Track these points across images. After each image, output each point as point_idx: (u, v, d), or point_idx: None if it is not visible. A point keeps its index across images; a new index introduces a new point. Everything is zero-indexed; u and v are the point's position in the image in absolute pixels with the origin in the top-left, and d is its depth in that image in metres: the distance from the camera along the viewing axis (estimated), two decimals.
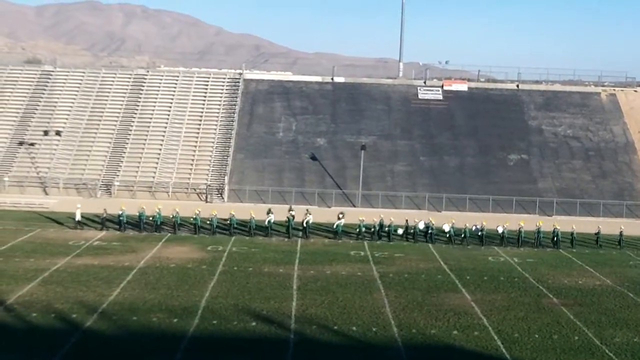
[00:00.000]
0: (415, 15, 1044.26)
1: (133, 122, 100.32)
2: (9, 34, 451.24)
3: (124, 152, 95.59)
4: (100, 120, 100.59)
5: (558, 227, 72.60)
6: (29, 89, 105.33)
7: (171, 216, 73.07)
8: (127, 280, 50.94)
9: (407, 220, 73.94)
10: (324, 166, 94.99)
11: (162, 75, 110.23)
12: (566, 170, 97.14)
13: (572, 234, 72.45)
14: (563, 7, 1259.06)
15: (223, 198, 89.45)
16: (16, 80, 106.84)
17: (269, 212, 74.19)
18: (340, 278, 54.35)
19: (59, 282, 49.65)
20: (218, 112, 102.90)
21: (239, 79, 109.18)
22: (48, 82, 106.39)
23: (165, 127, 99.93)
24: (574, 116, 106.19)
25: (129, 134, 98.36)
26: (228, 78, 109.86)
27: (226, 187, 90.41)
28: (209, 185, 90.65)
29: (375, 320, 43.38)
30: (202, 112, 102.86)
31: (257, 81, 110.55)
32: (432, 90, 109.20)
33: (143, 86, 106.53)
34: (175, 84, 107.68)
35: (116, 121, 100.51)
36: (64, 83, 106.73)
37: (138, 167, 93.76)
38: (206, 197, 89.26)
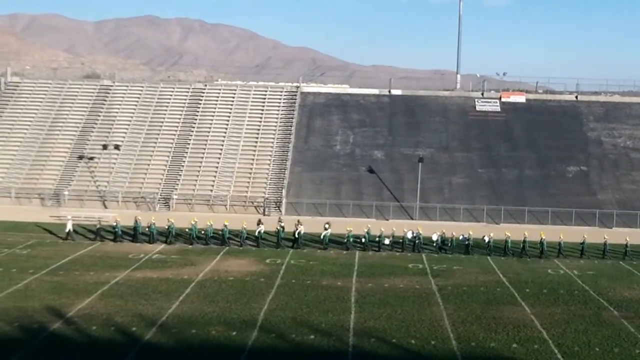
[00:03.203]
0: (472, 26, 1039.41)
1: (191, 135, 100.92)
2: (69, 49, 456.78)
3: (182, 166, 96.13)
4: (158, 134, 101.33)
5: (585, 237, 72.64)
6: (88, 104, 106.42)
7: (166, 227, 73.50)
8: (186, 293, 51.15)
9: (394, 230, 73.38)
10: (382, 179, 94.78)
11: (220, 89, 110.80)
12: (626, 182, 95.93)
13: (625, 245, 71.99)
14: (621, 17, 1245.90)
15: (281, 211, 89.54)
16: (76, 95, 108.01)
17: (259, 222, 74.62)
18: (399, 291, 54.14)
19: (118, 295, 50.00)
20: (275, 126, 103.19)
21: (296, 92, 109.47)
22: (107, 97, 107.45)
23: (223, 141, 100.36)
24: (634, 127, 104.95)
25: (187, 148, 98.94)
26: (285, 91, 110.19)
27: (284, 200, 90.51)
28: (267, 199, 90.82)
29: (434, 333, 43.12)
30: (259, 126, 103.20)
31: (314, 94, 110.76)
32: (490, 102, 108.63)
33: (201, 100, 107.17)
34: (233, 97, 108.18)
35: (174, 135, 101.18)
36: (122, 97, 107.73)
37: (196, 180, 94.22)
38: (264, 210, 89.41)
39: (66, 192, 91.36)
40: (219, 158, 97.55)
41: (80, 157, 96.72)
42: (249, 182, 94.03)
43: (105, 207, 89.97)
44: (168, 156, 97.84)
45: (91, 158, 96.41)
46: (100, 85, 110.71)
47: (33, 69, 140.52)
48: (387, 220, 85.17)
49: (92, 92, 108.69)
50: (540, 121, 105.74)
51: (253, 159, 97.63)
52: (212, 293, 51.56)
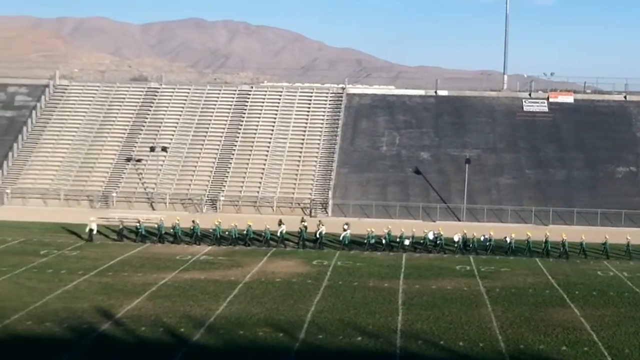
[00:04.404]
0: (519, 26, 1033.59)
1: (237, 137, 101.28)
2: (115, 51, 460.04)
3: (229, 168, 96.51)
4: (205, 136, 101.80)
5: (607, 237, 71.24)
6: (135, 106, 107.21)
7: (191, 228, 73.64)
8: (234, 295, 51.24)
9: (413, 231, 72.71)
10: (428, 180, 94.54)
11: (266, 91, 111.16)
12: None
13: None
14: None
15: (327, 212, 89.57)
16: (123, 98, 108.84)
17: (280, 223, 74.19)
18: (446, 293, 53.88)
19: (166, 297, 50.23)
20: (321, 127, 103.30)
21: (342, 93, 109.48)
22: (154, 99, 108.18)
23: (269, 142, 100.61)
24: None
25: (234, 149, 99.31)
26: (331, 93, 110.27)
27: (330, 202, 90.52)
28: (313, 200, 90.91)
29: (482, 335, 42.85)
30: (305, 127, 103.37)
31: (360, 95, 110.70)
32: (538, 103, 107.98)
33: (247, 102, 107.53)
34: (279, 99, 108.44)
35: (221, 137, 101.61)
36: (169, 100, 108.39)
37: (243, 182, 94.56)
38: (310, 212, 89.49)
39: (114, 194, 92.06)
40: (266, 159, 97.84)
41: (128, 159, 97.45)
42: (295, 184, 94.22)
43: (153, 208, 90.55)
44: (215, 158, 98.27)
45: (139, 160, 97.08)
46: (148, 88, 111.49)
47: (81, 72, 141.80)
48: (434, 221, 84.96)
49: (140, 95, 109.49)
50: (589, 121, 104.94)
51: (299, 161, 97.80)
52: (260, 294, 51.63)
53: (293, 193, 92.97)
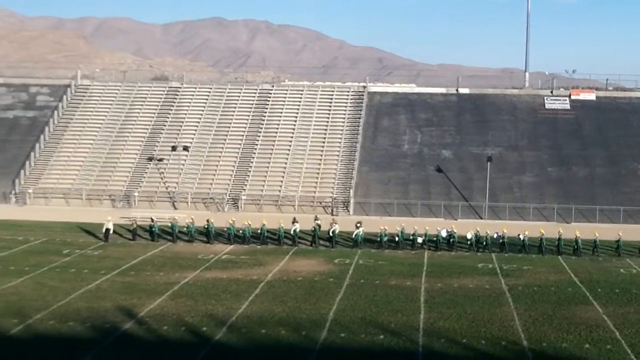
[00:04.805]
0: (540, 24, 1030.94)
1: (259, 136, 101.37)
2: (137, 51, 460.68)
3: (250, 166, 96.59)
4: (226, 135, 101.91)
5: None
6: (157, 106, 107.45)
7: (205, 226, 73.84)
8: (255, 294, 51.31)
9: (426, 229, 72.32)
10: (450, 178, 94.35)
11: (287, 90, 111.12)
12: None
13: None
14: None
15: (349, 211, 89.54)
16: (145, 97, 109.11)
17: (294, 221, 74.12)
18: (468, 291, 53.77)
19: (188, 296, 50.34)
20: (342, 125, 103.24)
21: (363, 91, 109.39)
22: (175, 99, 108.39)
23: (291, 141, 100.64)
24: None
25: (255, 148, 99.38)
26: (352, 91, 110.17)
27: (352, 200, 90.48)
28: (335, 199, 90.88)
29: (505, 333, 42.75)
30: (326, 126, 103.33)
31: (381, 94, 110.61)
32: (559, 100, 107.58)
33: (268, 101, 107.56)
34: (300, 98, 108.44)
35: (242, 136, 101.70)
36: (190, 99, 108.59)
37: (264, 181, 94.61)
38: (332, 210, 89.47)
39: (136, 194, 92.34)
40: (287, 158, 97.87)
41: (150, 159, 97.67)
42: (316, 183, 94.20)
43: (175, 208, 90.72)
44: (236, 157, 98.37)
45: (160, 159, 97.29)
46: (169, 87, 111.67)
47: (102, 72, 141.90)
48: (456, 219, 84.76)
49: (161, 94, 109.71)
50: (611, 119, 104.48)
51: (321, 159, 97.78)
52: (281, 293, 51.67)
53: (314, 192, 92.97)
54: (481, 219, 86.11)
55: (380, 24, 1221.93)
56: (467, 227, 74.07)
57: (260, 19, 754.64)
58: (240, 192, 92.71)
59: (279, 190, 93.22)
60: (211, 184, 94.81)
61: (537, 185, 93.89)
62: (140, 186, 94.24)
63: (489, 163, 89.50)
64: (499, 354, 39.43)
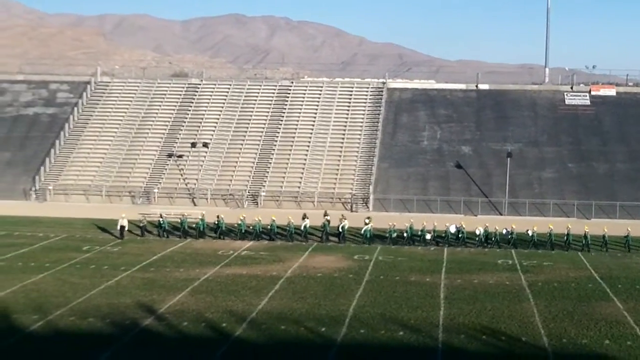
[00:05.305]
0: (560, 19, 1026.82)
1: (278, 132, 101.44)
2: (156, 48, 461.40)
3: (270, 163, 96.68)
4: (246, 132, 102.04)
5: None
6: (176, 102, 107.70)
7: (215, 222, 73.69)
8: (275, 290, 51.30)
9: (435, 225, 72.22)
10: (469, 174, 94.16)
11: (306, 86, 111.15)
12: None
13: None
14: None
15: (368, 207, 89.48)
16: (164, 94, 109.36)
17: (304, 217, 73.97)
18: (488, 287, 53.60)
19: (208, 292, 50.37)
20: (362, 122, 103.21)
21: (383, 88, 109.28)
22: (195, 95, 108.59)
23: (310, 137, 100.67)
24: None
25: (274, 145, 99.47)
26: (371, 87, 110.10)
27: (371, 197, 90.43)
28: (354, 195, 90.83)
29: (525, 329, 42.57)
30: (346, 122, 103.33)
31: (401, 90, 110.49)
32: (580, 96, 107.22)
33: (287, 97, 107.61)
34: (319, 94, 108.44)
35: (261, 132, 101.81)
36: (210, 96, 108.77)
37: (284, 177, 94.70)
38: (351, 207, 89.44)
39: (156, 190, 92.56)
40: (306, 154, 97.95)
41: (170, 155, 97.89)
42: (336, 179, 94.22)
43: (195, 204, 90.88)
44: (256, 153, 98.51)
45: (180, 156, 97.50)
46: (188, 84, 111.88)
47: (122, 69, 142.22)
48: (476, 215, 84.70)
49: (181, 91, 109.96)
50: (631, 114, 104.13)
51: (340, 156, 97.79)
52: (301, 289, 51.64)
53: (334, 188, 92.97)
54: (501, 215, 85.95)
55: (399, 21, 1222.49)
56: (481, 224, 73.94)
57: (280, 15, 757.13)
58: (260, 188, 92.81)
59: (299, 187, 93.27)
60: (231, 180, 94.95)
61: (557, 181, 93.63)
62: (160, 183, 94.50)
63: (508, 159, 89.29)
64: (519, 350, 39.26)
